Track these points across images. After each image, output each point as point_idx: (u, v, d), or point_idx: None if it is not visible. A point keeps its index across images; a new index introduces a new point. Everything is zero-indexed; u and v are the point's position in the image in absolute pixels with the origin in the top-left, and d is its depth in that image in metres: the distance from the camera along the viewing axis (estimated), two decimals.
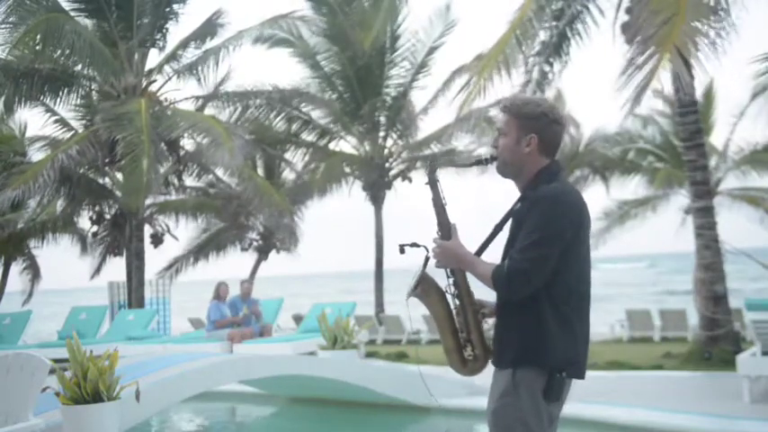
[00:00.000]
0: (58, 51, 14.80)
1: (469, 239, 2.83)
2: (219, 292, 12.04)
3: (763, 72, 10.71)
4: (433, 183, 2.82)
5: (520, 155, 2.74)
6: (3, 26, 15.11)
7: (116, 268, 17.73)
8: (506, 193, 2.95)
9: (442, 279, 2.86)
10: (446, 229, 2.79)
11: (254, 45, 18.33)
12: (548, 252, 2.56)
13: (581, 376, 2.71)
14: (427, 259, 2.80)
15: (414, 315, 18.06)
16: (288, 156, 20.46)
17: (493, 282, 2.63)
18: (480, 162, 2.90)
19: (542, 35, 12.68)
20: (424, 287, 2.83)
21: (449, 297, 2.83)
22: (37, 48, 14.56)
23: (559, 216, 2.59)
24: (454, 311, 2.84)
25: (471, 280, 2.82)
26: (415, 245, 2.79)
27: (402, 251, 2.80)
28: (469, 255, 2.75)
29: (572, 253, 2.63)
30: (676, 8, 9.24)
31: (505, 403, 2.64)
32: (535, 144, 2.72)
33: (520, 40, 12.08)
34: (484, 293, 2.86)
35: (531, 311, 2.62)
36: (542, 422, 2.65)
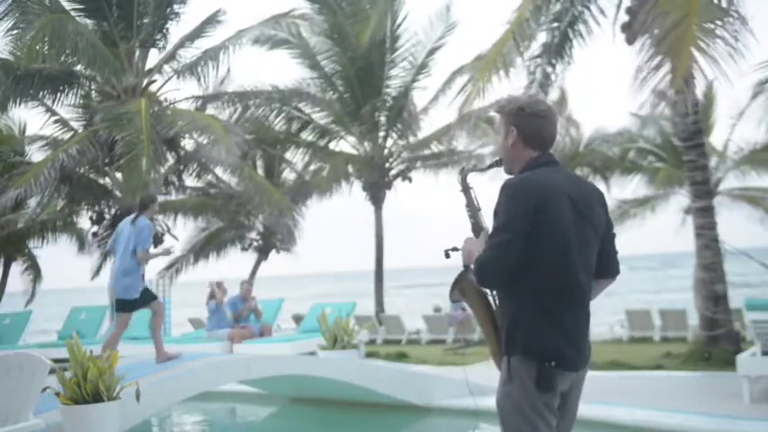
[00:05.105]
0: (62, 52, 14.78)
1: None
2: (215, 294, 12.01)
3: (764, 81, 10.62)
4: (466, 189, 2.97)
5: (507, 149, 2.88)
6: (4, 26, 15.10)
7: None
8: None
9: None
10: (479, 232, 2.90)
11: (254, 45, 18.32)
12: (505, 237, 2.63)
13: (573, 368, 2.71)
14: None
15: (414, 314, 18.12)
16: (288, 156, 20.46)
17: (474, 272, 2.72)
18: (494, 164, 3.03)
19: (543, 36, 12.66)
20: (462, 288, 2.90)
21: (490, 299, 2.88)
22: (44, 50, 14.52)
23: (513, 202, 2.67)
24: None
25: None
26: (456, 249, 2.89)
27: (447, 256, 2.91)
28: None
29: (543, 241, 2.65)
30: (687, 9, 9.02)
31: (504, 392, 2.72)
32: (515, 136, 2.84)
33: (518, 42, 12.06)
34: None
35: (513, 300, 2.71)
36: (537, 410, 2.65)
